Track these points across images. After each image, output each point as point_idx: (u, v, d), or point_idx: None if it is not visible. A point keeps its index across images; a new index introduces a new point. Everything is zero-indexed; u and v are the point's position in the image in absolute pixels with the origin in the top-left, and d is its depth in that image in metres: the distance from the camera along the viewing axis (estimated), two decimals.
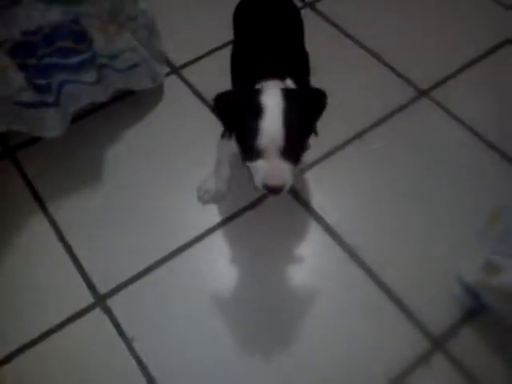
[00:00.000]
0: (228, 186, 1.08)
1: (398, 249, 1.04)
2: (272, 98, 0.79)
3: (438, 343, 0.93)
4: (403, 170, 1.15)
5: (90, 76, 1.08)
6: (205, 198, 1.10)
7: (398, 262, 1.02)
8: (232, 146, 0.89)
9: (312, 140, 0.87)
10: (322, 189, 1.12)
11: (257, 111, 0.78)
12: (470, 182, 1.13)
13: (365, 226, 1.08)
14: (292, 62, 0.94)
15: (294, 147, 0.80)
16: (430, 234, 1.06)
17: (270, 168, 0.80)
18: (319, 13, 1.43)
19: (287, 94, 0.81)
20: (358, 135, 1.20)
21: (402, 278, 1.00)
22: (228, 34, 1.12)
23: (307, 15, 1.41)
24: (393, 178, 1.13)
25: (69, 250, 1.03)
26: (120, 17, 1.05)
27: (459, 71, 1.32)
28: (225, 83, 1.00)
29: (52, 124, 1.09)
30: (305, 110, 0.80)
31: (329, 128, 1.17)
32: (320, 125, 0.85)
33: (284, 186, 0.81)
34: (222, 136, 1.00)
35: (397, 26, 1.42)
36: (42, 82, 1.01)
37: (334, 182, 1.13)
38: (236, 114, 0.81)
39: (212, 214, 1.09)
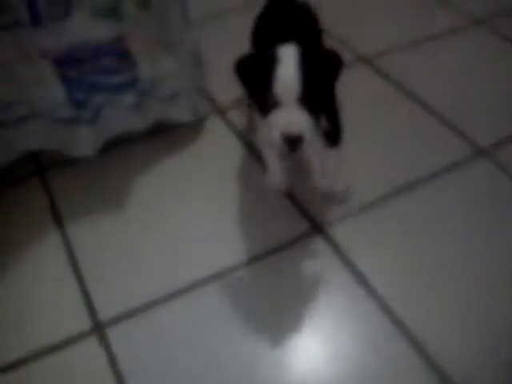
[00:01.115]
0: (284, 176, 1.08)
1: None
2: (287, 51, 0.83)
3: None
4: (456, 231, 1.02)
5: (129, 99, 1.07)
6: (273, 186, 1.09)
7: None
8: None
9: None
10: (364, 246, 1.00)
11: (273, 62, 0.80)
12: None
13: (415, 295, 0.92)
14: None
15: (310, 96, 0.80)
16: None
17: (288, 115, 0.80)
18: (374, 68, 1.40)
19: (302, 49, 0.84)
20: (407, 187, 1.09)
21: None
22: None
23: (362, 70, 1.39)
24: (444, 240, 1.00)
25: (76, 269, 0.96)
26: (165, 40, 1.04)
27: None
28: None
29: (84, 143, 1.07)
30: (320, 64, 0.83)
31: (374, 177, 1.12)
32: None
33: (302, 136, 0.80)
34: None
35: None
36: (80, 96, 1.00)
37: (376, 237, 1.01)
38: (254, 70, 0.83)
39: (234, 254, 0.98)
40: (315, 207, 1.07)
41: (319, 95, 0.83)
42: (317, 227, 1.03)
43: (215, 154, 1.18)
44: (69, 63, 0.96)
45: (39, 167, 1.15)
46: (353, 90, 1.27)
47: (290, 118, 0.80)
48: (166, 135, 1.21)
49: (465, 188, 1.10)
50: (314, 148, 0.96)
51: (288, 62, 0.81)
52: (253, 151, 1.18)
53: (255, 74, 0.83)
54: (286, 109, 0.81)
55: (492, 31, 1.53)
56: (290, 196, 1.09)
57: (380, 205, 1.07)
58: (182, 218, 1.05)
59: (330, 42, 1.27)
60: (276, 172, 1.07)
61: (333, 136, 0.99)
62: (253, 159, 1.16)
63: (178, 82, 1.11)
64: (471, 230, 1.02)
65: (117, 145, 1.18)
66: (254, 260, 0.98)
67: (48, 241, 1.01)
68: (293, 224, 1.04)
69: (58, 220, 1.04)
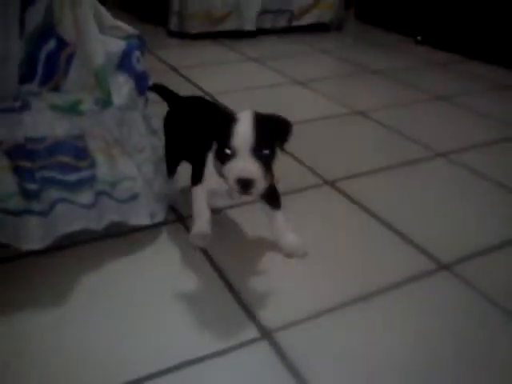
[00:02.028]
0: (210, 227, 1.15)
1: None
2: (244, 114, 1.00)
3: None
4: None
5: (85, 198, 1.05)
6: (198, 243, 1.15)
7: None
8: (205, 186, 1.12)
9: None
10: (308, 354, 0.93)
11: (231, 121, 0.98)
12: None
13: None
14: None
15: (262, 149, 0.97)
16: None
17: (243, 164, 0.96)
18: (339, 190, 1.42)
19: (257, 113, 1.01)
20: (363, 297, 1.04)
21: None
22: None
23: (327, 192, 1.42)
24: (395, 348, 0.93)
25: None
26: (126, 144, 1.07)
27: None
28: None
29: (33, 235, 1.02)
30: (271, 126, 1.00)
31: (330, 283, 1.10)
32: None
33: (255, 182, 0.96)
34: (195, 183, 1.14)
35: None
36: (32, 186, 0.98)
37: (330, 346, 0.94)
38: (215, 127, 1.01)
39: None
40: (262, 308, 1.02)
41: (268, 150, 0.99)
42: (264, 332, 0.96)
43: (171, 259, 1.14)
44: (21, 155, 0.96)
45: None
46: (318, 208, 1.33)
47: (245, 165, 0.96)
48: (123, 237, 1.19)
49: (424, 299, 1.05)
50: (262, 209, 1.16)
51: (244, 121, 0.98)
52: (210, 259, 1.14)
53: (217, 130, 1.00)
54: (241, 158, 0.96)
55: (453, 163, 1.60)
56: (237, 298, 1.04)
57: (334, 313, 1.01)
58: (123, 317, 0.98)
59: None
60: (204, 220, 1.14)
61: (273, 198, 1.15)
62: (208, 266, 1.12)
63: (137, 185, 1.11)
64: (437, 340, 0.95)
65: (70, 243, 1.14)
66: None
67: None
68: (239, 328, 0.97)
69: None
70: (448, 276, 1.11)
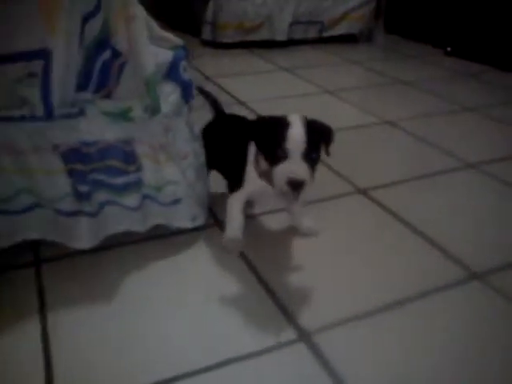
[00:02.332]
0: (242, 232, 1.22)
1: None
2: (295, 117, 1.05)
3: None
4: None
5: (131, 200, 1.11)
6: (231, 247, 1.21)
7: None
8: (246, 190, 1.18)
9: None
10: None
11: (285, 125, 1.03)
12: None
13: None
14: None
15: (312, 153, 1.03)
16: None
17: (295, 165, 1.01)
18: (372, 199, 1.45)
19: (306, 118, 1.07)
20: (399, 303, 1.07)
21: None
22: None
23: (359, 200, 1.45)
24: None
25: (48, 364, 0.91)
26: (171, 150, 1.11)
27: None
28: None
29: (83, 235, 1.08)
30: (319, 131, 1.06)
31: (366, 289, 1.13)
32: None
33: (305, 182, 1.00)
34: (234, 189, 1.20)
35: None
36: (84, 189, 1.05)
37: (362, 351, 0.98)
38: (268, 131, 1.05)
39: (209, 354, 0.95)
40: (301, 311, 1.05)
41: (318, 152, 1.05)
42: (302, 334, 1.00)
43: (209, 262, 1.19)
44: (76, 158, 1.02)
45: (37, 258, 1.16)
46: (351, 216, 1.38)
47: (297, 166, 1.01)
48: (164, 239, 1.24)
49: (457, 307, 1.08)
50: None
51: (297, 125, 1.03)
52: (250, 265, 1.18)
53: (270, 133, 1.04)
54: (294, 161, 1.01)
55: (484, 173, 1.62)
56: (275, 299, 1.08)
57: (369, 317, 1.04)
58: (166, 317, 1.02)
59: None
60: (235, 227, 1.21)
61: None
62: (248, 271, 1.16)
63: (180, 189, 1.16)
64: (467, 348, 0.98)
65: (115, 244, 1.19)
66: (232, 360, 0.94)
67: (27, 334, 0.98)
68: (277, 329, 1.01)
69: (42, 310, 1.03)
70: (479, 286, 1.14)
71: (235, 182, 1.20)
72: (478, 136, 1.93)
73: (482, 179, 1.60)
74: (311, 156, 1.03)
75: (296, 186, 1.00)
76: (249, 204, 1.34)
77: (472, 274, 1.17)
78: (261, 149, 1.09)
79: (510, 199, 1.50)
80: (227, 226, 1.22)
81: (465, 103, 2.24)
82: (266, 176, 1.07)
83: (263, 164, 1.08)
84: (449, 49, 2.95)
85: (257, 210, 1.38)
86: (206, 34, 2.99)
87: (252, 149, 1.14)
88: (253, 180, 1.15)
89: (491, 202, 1.48)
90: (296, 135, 1.01)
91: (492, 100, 2.30)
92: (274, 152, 1.02)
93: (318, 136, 1.05)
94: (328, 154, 1.09)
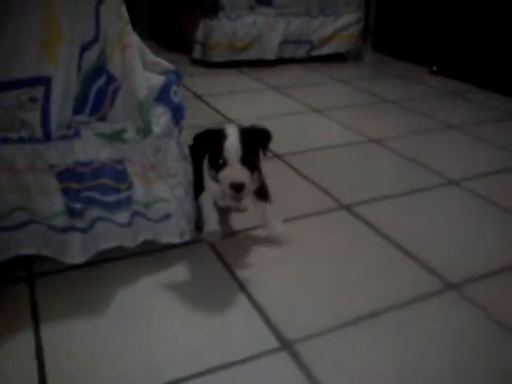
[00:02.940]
0: (219, 225, 1.40)
1: None
2: (231, 129, 1.20)
3: None
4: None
5: (122, 217, 1.18)
6: (210, 239, 1.38)
7: None
8: (207, 193, 1.33)
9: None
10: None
11: (222, 137, 1.18)
12: None
13: None
14: None
15: (248, 157, 1.18)
16: None
17: (233, 170, 1.17)
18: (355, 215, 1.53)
19: (241, 127, 1.22)
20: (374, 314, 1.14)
21: None
22: None
23: (342, 215, 1.53)
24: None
25: (42, 377, 0.97)
26: (161, 169, 1.19)
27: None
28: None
29: (76, 250, 1.15)
30: (254, 136, 1.21)
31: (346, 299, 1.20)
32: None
33: (244, 184, 1.16)
34: (199, 192, 1.35)
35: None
36: (77, 206, 1.12)
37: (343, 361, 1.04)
38: (208, 143, 1.21)
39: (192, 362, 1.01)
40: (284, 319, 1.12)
41: (254, 157, 1.21)
42: (285, 343, 1.06)
43: (196, 275, 1.26)
44: (70, 177, 1.09)
45: (31, 273, 1.23)
46: (334, 230, 1.46)
47: (236, 171, 1.17)
48: (153, 254, 1.31)
49: (433, 317, 1.15)
50: (253, 202, 1.38)
51: (232, 136, 1.18)
52: (235, 277, 1.25)
53: (210, 144, 1.20)
54: (231, 166, 1.17)
55: (466, 190, 1.70)
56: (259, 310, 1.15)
57: (350, 327, 1.11)
58: (154, 330, 1.09)
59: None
60: (212, 220, 1.38)
61: (262, 193, 1.35)
62: (233, 283, 1.23)
63: (169, 206, 1.24)
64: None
65: (106, 259, 1.26)
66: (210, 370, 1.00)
67: (20, 343, 1.04)
68: (260, 338, 1.07)
69: (35, 324, 1.08)
70: (455, 296, 1.21)
71: (198, 187, 1.35)
72: (461, 153, 2.02)
73: (464, 195, 1.68)
74: (249, 160, 1.18)
75: (237, 188, 1.16)
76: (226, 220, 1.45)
77: (448, 285, 1.24)
78: (206, 158, 1.26)
79: (489, 214, 1.58)
80: (205, 222, 1.39)
81: (449, 121, 2.34)
82: (216, 179, 1.23)
83: (212, 171, 1.24)
84: (434, 68, 3.06)
85: (238, 226, 1.47)
86: (197, 53, 3.09)
87: (205, 160, 1.29)
88: (210, 185, 1.31)
89: (472, 217, 1.56)
90: (232, 144, 1.17)
91: (476, 118, 2.40)
92: (217, 161, 1.19)
93: (254, 141, 1.21)
94: (265, 154, 1.25)
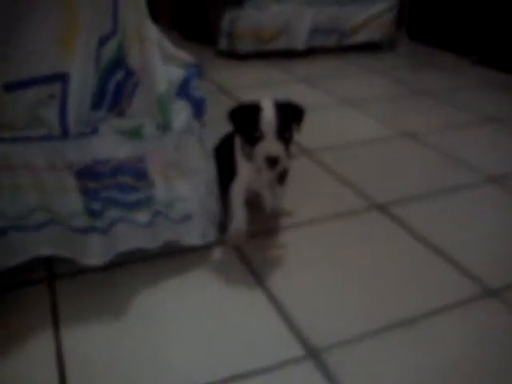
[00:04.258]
0: (246, 225, 1.39)
1: None
2: (267, 102, 1.23)
3: None
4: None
5: (143, 217, 1.18)
6: (235, 239, 1.37)
7: None
8: (240, 176, 1.33)
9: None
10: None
11: (258, 110, 1.21)
12: None
13: None
14: None
15: (283, 132, 1.21)
16: None
17: (269, 144, 1.20)
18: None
19: (277, 101, 1.25)
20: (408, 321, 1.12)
21: None
22: None
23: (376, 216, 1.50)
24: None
25: (62, 379, 0.98)
26: (182, 166, 1.18)
27: None
28: None
29: (95, 251, 1.15)
30: (289, 111, 1.24)
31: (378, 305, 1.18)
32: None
33: (280, 157, 1.19)
34: (231, 179, 1.35)
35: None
36: (96, 206, 1.12)
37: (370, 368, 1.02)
38: (244, 117, 1.24)
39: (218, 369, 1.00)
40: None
41: (289, 132, 1.24)
42: (311, 351, 1.05)
43: (219, 278, 1.25)
44: (89, 176, 1.10)
45: (51, 274, 1.24)
46: (367, 231, 1.43)
47: (271, 145, 1.20)
48: (174, 256, 1.30)
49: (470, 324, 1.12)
50: (270, 185, 1.42)
51: (268, 109, 1.21)
52: (259, 281, 1.24)
53: (246, 118, 1.23)
54: (267, 140, 1.20)
55: (507, 187, 1.66)
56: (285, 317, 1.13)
57: (380, 335, 1.09)
58: (175, 333, 1.09)
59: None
60: (240, 219, 1.37)
61: (282, 177, 1.40)
62: (257, 287, 1.22)
63: (191, 206, 1.23)
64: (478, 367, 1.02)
65: (126, 261, 1.26)
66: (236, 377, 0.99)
67: (41, 349, 1.05)
68: (285, 346, 1.06)
69: (55, 327, 1.09)
70: (495, 302, 1.17)
71: (230, 173, 1.35)
72: (503, 148, 1.97)
73: (506, 194, 1.64)
74: (284, 135, 1.22)
75: (272, 161, 1.19)
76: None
77: (488, 291, 1.20)
78: (241, 133, 1.28)
79: None
80: (231, 219, 1.38)
81: (489, 113, 2.28)
82: (250, 157, 1.26)
83: (246, 148, 1.27)
84: (474, 57, 2.99)
85: (263, 228, 1.45)
86: (223, 44, 3.08)
87: (237, 140, 1.32)
88: (243, 164, 1.32)
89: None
90: (268, 118, 1.20)
91: None
92: (252, 134, 1.22)
93: (289, 117, 1.24)
94: (299, 131, 1.28)
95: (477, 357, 1.04)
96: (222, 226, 1.38)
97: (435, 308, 1.15)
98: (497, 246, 1.38)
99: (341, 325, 1.11)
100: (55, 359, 1.02)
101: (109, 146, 1.10)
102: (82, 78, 1.01)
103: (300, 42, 3.08)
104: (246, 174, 1.33)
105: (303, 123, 1.28)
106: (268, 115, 1.20)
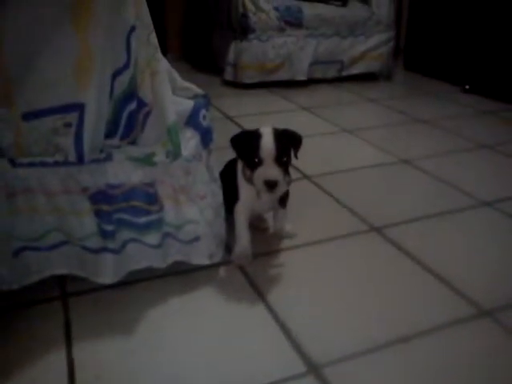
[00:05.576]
0: (250, 247, 1.40)
1: None
2: (266, 129, 1.27)
3: None
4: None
5: (153, 238, 1.20)
6: (240, 261, 1.38)
7: None
8: (242, 199, 1.36)
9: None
10: None
11: (258, 137, 1.25)
12: None
13: None
14: None
15: (281, 157, 1.24)
16: None
17: (268, 169, 1.23)
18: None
19: (275, 129, 1.29)
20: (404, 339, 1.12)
21: None
22: None
23: (373, 238, 1.52)
24: None
25: None
26: (191, 191, 1.21)
27: None
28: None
29: (107, 271, 1.17)
30: (287, 138, 1.28)
31: (376, 321, 1.19)
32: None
33: (278, 181, 1.23)
34: (233, 204, 1.38)
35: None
36: (109, 227, 1.14)
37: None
38: (245, 143, 1.27)
39: None
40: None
41: (287, 157, 1.27)
42: (312, 367, 1.05)
43: (225, 297, 1.26)
44: (102, 199, 1.12)
45: (64, 292, 1.25)
46: (364, 253, 1.45)
47: (270, 170, 1.23)
48: (183, 275, 1.32)
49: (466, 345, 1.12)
50: (272, 208, 1.45)
51: (267, 136, 1.25)
52: (263, 299, 1.25)
53: (247, 144, 1.27)
54: (266, 165, 1.24)
55: (499, 211, 1.67)
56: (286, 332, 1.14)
57: (379, 351, 1.09)
58: (186, 350, 1.10)
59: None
60: (244, 240, 1.39)
61: (283, 201, 1.43)
62: (260, 304, 1.23)
63: (199, 228, 1.25)
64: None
65: (137, 279, 1.28)
66: None
67: (54, 361, 1.06)
68: (286, 362, 1.07)
69: (67, 342, 1.11)
70: (488, 322, 1.18)
71: (233, 195, 1.38)
72: (495, 174, 1.99)
73: (497, 217, 1.65)
74: (282, 160, 1.25)
75: (271, 185, 1.23)
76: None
77: (481, 311, 1.21)
78: (242, 158, 1.33)
79: None
80: (236, 241, 1.40)
81: (482, 141, 2.30)
82: (251, 181, 1.29)
83: (247, 172, 1.30)
84: (467, 86, 3.03)
85: (267, 248, 1.47)
86: (228, 74, 3.13)
87: (239, 164, 1.36)
88: (245, 188, 1.35)
89: (506, 240, 1.53)
90: (267, 144, 1.24)
91: (509, 138, 2.35)
92: (252, 159, 1.25)
93: (287, 143, 1.27)
94: (296, 157, 1.32)
95: (470, 376, 1.04)
96: (227, 246, 1.40)
97: (430, 327, 1.16)
98: (490, 267, 1.39)
99: (340, 342, 1.12)
100: (67, 373, 1.03)
101: (122, 172, 1.13)
102: (96, 109, 1.04)
103: (301, 73, 3.12)
104: (248, 196, 1.35)
105: (300, 149, 1.31)
106: (267, 142, 1.24)
